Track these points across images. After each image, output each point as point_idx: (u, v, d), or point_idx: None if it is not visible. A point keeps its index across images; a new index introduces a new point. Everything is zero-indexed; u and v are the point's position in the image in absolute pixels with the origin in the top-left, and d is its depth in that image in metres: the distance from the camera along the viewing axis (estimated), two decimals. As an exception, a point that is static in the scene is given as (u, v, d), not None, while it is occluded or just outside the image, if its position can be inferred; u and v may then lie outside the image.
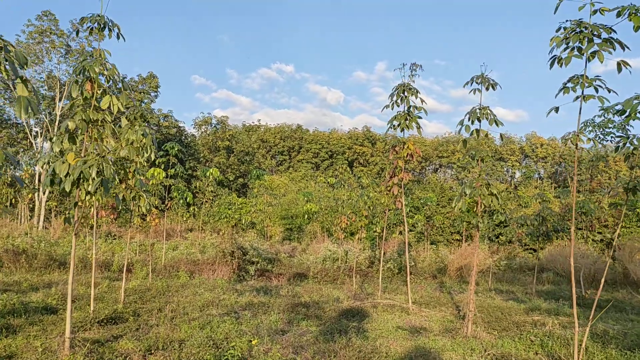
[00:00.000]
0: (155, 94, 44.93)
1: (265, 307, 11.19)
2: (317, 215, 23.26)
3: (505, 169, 68.95)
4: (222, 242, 23.03)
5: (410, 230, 36.09)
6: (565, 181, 71.14)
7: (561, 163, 73.32)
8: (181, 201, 22.44)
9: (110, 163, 6.28)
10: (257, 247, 20.77)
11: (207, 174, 21.73)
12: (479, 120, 9.49)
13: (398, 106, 12.05)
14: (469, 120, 9.48)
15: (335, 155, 66.03)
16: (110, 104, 6.98)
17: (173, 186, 19.37)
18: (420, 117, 11.90)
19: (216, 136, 49.03)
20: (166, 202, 18.76)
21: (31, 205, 35.31)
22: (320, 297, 13.68)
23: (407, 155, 11.77)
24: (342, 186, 20.69)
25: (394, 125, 12.05)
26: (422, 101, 11.80)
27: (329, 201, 29.58)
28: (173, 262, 19.09)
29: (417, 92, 11.81)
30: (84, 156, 6.51)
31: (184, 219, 32.59)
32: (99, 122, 6.72)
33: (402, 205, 12.13)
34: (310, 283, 17.68)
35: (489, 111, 9.30)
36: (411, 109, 11.91)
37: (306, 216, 23.53)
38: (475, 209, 9.36)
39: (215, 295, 12.86)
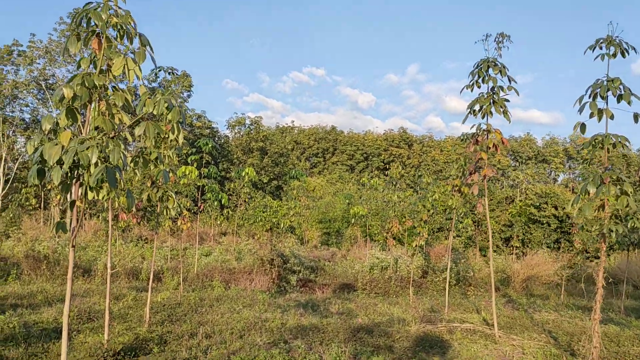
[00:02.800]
0: (189, 93, 43.63)
1: (320, 332, 9.11)
2: (364, 219, 21.09)
3: (548, 171, 65.02)
4: (259, 248, 21.14)
5: (458, 236, 33.45)
6: (614, 184, 66.55)
7: (609, 166, 69.01)
8: (215, 203, 20.67)
9: (121, 145, 4.35)
10: (298, 254, 18.80)
11: (243, 173, 19.94)
12: (603, 97, 7.22)
13: (479, 87, 9.84)
14: (590, 96, 7.22)
15: (370, 157, 63.69)
16: (125, 68, 5.05)
17: (206, 187, 17.58)
18: (507, 100, 9.66)
19: (250, 137, 47.37)
20: (199, 204, 16.97)
21: (62, 207, 34.34)
22: (379, 316, 11.56)
23: (492, 147, 9.52)
24: (393, 186, 18.48)
25: (474, 111, 9.82)
26: (511, 80, 9.54)
27: (371, 203, 27.37)
28: (206, 269, 17.29)
29: (505, 68, 9.57)
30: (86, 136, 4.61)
31: (218, 222, 30.92)
32: (107, 89, 4.80)
33: (485, 208, 9.88)
34: (361, 296, 15.60)
35: (620, 84, 7.00)
36: (496, 90, 9.67)
37: (352, 220, 21.35)
38: (601, 214, 7.09)
39: (256, 313, 10.89)
